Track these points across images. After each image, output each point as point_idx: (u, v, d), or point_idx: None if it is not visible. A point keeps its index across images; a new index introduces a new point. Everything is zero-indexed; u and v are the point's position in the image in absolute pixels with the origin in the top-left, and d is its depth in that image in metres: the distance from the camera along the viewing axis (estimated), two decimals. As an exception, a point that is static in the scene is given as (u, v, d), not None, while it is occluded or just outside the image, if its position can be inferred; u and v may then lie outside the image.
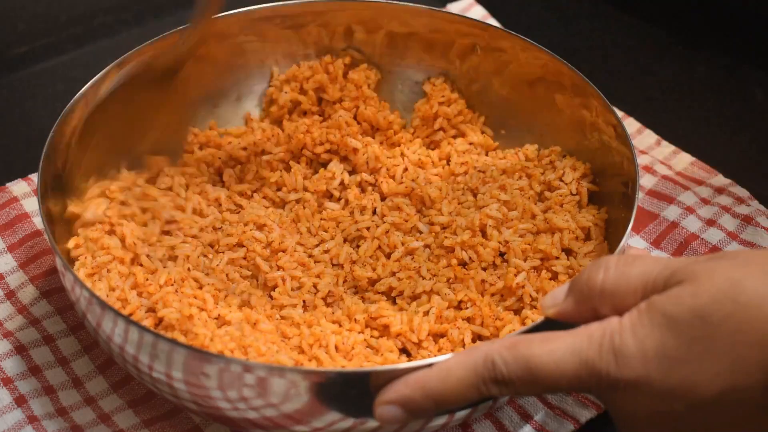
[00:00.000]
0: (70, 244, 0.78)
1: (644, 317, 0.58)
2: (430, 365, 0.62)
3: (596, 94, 0.83)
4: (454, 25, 0.91)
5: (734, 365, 0.56)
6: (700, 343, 0.56)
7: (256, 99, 0.93)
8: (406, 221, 0.82)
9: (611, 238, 0.80)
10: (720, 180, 0.93)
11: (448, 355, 0.63)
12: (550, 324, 0.64)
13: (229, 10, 0.88)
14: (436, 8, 0.92)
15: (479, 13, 1.11)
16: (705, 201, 0.91)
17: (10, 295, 0.83)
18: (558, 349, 0.59)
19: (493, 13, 1.11)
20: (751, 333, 0.56)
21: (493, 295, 0.77)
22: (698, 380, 0.57)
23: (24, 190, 0.89)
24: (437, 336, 0.75)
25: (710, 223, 0.89)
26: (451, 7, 1.11)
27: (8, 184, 0.90)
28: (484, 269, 0.78)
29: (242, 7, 0.89)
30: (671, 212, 0.90)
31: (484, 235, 0.79)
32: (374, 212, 0.84)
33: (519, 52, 0.88)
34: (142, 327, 0.66)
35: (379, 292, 0.78)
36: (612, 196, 0.81)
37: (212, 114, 0.92)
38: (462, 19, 0.91)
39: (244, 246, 0.80)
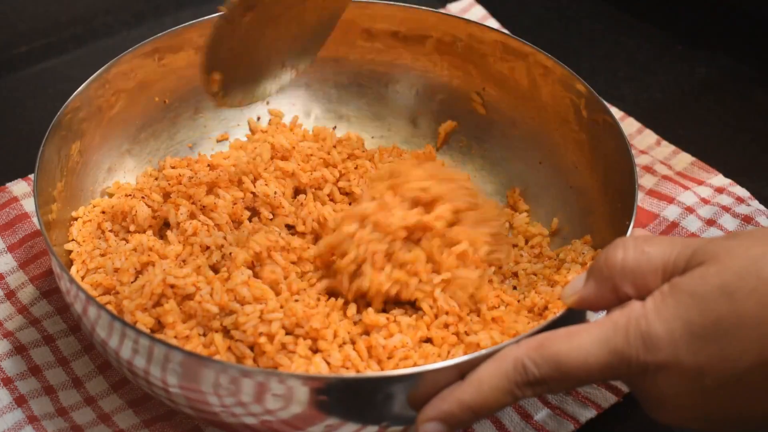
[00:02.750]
0: (69, 246, 0.78)
1: (668, 299, 0.59)
2: (442, 369, 0.63)
3: (586, 88, 0.82)
4: (432, 21, 0.90)
5: (762, 340, 0.57)
6: (728, 320, 0.57)
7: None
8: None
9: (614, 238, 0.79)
10: (720, 180, 0.93)
11: (464, 357, 0.63)
12: (570, 317, 0.65)
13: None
14: (424, 7, 0.91)
15: (479, 13, 1.10)
16: (705, 201, 0.91)
17: (10, 295, 0.83)
18: (585, 343, 0.60)
19: (493, 13, 1.10)
20: None
21: None
22: (727, 356, 0.58)
23: (24, 190, 0.89)
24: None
25: (710, 223, 0.89)
26: (451, 8, 1.11)
27: (8, 184, 0.90)
28: None
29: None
30: (671, 212, 0.90)
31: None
32: None
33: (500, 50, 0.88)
34: (138, 330, 0.65)
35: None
36: (610, 198, 0.81)
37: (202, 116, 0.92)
38: (443, 17, 0.91)
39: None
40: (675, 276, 0.60)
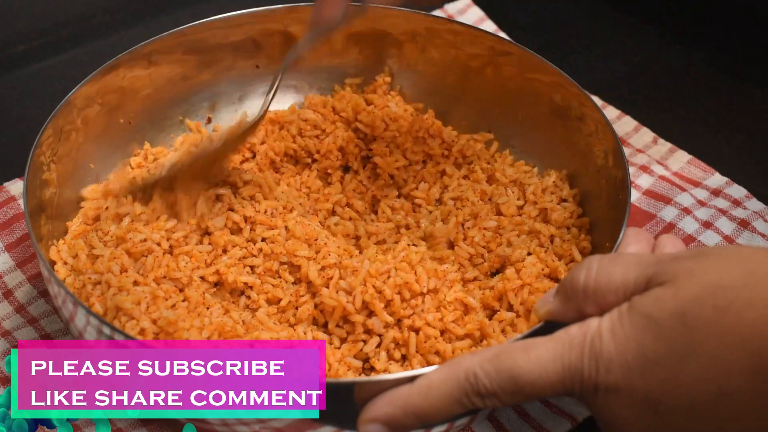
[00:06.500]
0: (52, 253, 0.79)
1: (625, 319, 0.58)
2: (412, 378, 0.62)
3: (579, 89, 0.82)
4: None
5: (716, 368, 0.56)
6: (681, 346, 0.57)
7: (258, 97, 0.93)
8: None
9: (605, 241, 0.80)
10: (716, 180, 0.93)
11: (430, 369, 0.62)
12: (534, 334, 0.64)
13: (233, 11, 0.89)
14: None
15: (476, 14, 1.10)
16: (701, 203, 0.91)
17: (8, 294, 0.83)
18: (540, 357, 0.60)
19: (490, 14, 1.11)
20: (731, 337, 0.56)
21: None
22: (680, 382, 0.57)
23: (21, 190, 0.89)
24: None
25: (707, 225, 0.89)
26: (448, 8, 1.11)
27: (6, 184, 0.90)
28: None
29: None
30: (668, 213, 0.90)
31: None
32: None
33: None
34: (126, 334, 0.65)
35: None
36: (604, 199, 0.81)
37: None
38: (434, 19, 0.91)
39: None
40: (635, 295, 0.59)
